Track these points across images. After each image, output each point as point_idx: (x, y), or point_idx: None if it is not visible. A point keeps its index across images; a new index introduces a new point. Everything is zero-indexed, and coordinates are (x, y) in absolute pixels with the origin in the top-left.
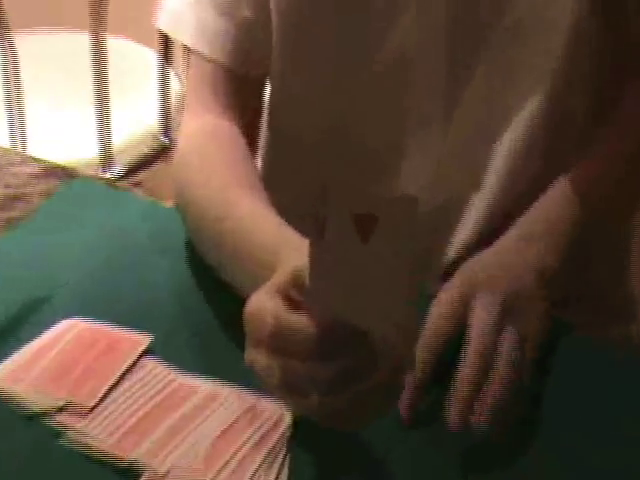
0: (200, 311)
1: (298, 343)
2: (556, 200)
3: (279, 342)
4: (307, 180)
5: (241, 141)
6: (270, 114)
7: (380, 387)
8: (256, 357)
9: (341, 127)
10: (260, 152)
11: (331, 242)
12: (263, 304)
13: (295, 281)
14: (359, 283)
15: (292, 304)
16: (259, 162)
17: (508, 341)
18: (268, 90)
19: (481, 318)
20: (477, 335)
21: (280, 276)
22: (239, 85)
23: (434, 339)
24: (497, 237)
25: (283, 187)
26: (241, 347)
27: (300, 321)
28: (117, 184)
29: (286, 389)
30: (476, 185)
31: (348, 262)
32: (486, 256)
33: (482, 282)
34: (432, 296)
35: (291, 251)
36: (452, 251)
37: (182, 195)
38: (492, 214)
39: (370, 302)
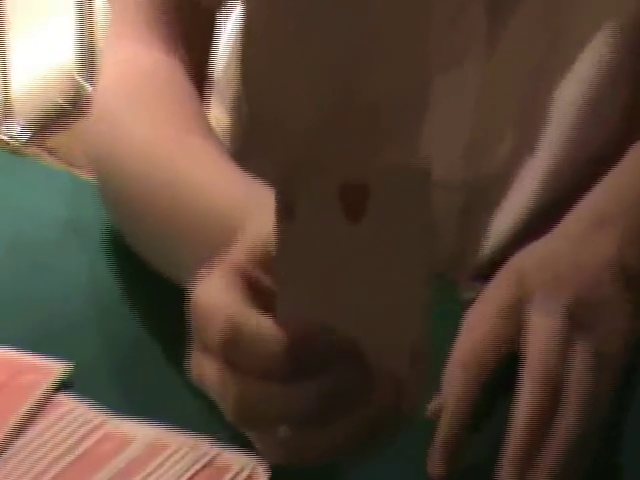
0: (137, 324)
1: (261, 357)
2: (637, 170)
3: (234, 354)
4: (291, 153)
5: (188, 82)
6: (242, 62)
7: (379, 413)
8: (204, 366)
9: (342, 69)
10: (227, 123)
11: (305, 221)
12: (213, 298)
13: (260, 256)
14: (346, 277)
15: (256, 291)
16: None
17: (581, 358)
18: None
19: (542, 326)
20: (538, 350)
21: (239, 249)
22: (184, 13)
23: (474, 365)
24: (555, 222)
25: (257, 165)
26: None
27: (264, 326)
28: (19, 148)
29: (245, 417)
30: (529, 147)
31: (329, 248)
32: (543, 248)
33: (539, 285)
34: (466, 302)
35: (258, 210)
36: (493, 241)
37: (103, 157)
38: (549, 189)
39: (362, 302)
